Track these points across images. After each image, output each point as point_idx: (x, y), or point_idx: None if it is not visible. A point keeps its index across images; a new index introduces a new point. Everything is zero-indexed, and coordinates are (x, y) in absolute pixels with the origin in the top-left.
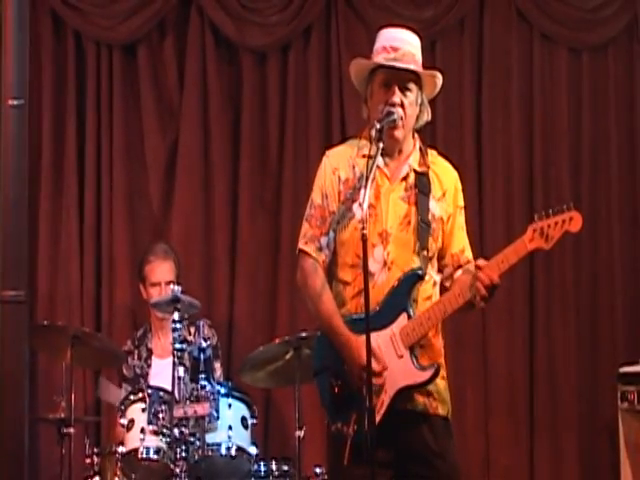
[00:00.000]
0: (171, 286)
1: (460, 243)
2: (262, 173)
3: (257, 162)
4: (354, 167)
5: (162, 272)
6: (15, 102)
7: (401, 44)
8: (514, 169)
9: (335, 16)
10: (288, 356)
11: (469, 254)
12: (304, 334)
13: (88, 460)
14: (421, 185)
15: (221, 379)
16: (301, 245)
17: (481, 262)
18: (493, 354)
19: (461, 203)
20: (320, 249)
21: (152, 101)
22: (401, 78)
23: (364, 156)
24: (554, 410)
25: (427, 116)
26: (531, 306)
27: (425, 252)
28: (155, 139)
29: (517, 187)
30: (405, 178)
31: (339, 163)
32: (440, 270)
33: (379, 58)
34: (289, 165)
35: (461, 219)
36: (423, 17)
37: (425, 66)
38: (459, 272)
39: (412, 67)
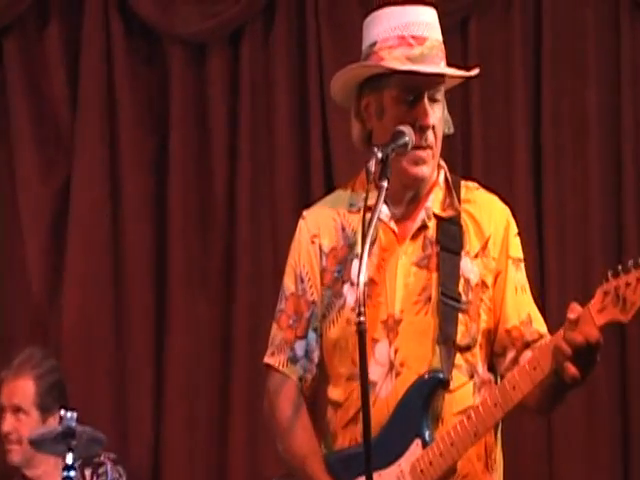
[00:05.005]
0: (62, 412)
1: (522, 311)
2: (202, 232)
3: (194, 214)
4: (343, 229)
5: (9, 393)
6: None
7: (426, 31)
8: (592, 206)
9: None
10: None
11: (541, 326)
12: None
13: None
14: (446, 238)
15: None
16: (266, 358)
17: (573, 315)
18: None
19: (516, 254)
20: (294, 360)
21: (27, 121)
22: (431, 85)
23: (360, 210)
24: None
25: (448, 129)
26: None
27: (452, 342)
28: (34, 183)
29: (596, 234)
30: (421, 230)
31: (320, 226)
32: (494, 359)
33: (397, 54)
34: (244, 221)
35: (520, 276)
36: None
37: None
38: (528, 354)
39: (458, 73)
